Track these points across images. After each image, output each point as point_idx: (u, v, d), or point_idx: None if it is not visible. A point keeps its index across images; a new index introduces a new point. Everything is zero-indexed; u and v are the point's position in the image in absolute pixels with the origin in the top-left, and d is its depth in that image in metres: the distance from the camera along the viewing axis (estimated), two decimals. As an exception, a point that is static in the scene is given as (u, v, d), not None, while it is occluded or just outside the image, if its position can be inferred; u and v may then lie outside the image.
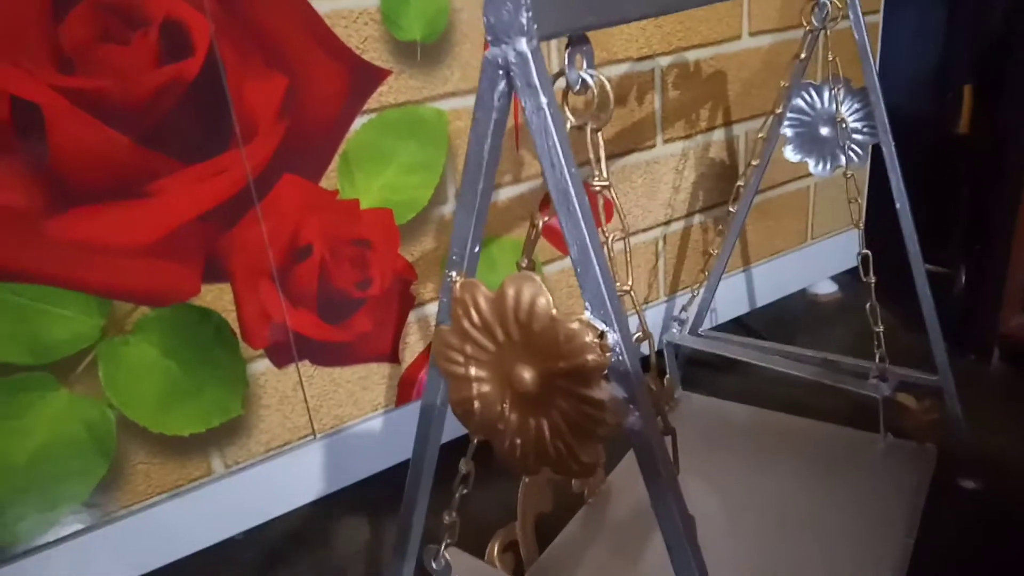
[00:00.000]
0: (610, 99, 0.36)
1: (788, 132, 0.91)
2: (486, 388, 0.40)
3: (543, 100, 0.31)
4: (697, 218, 1.20)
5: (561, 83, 0.36)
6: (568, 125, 0.37)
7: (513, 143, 0.96)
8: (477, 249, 0.40)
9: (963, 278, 1.31)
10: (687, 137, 1.14)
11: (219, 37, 0.73)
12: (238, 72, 0.75)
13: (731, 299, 1.31)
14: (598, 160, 0.39)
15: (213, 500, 0.87)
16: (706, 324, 1.14)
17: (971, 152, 1.31)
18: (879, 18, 1.32)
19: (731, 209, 0.98)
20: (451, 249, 0.39)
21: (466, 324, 0.38)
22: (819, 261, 1.43)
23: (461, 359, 0.40)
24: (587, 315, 0.35)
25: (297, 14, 0.77)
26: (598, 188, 0.39)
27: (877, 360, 0.87)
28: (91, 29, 0.66)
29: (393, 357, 0.95)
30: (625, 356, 0.34)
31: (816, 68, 1.22)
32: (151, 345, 0.79)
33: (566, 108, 0.38)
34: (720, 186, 1.20)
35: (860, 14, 0.79)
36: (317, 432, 0.92)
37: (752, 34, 1.15)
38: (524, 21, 0.31)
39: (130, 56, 0.69)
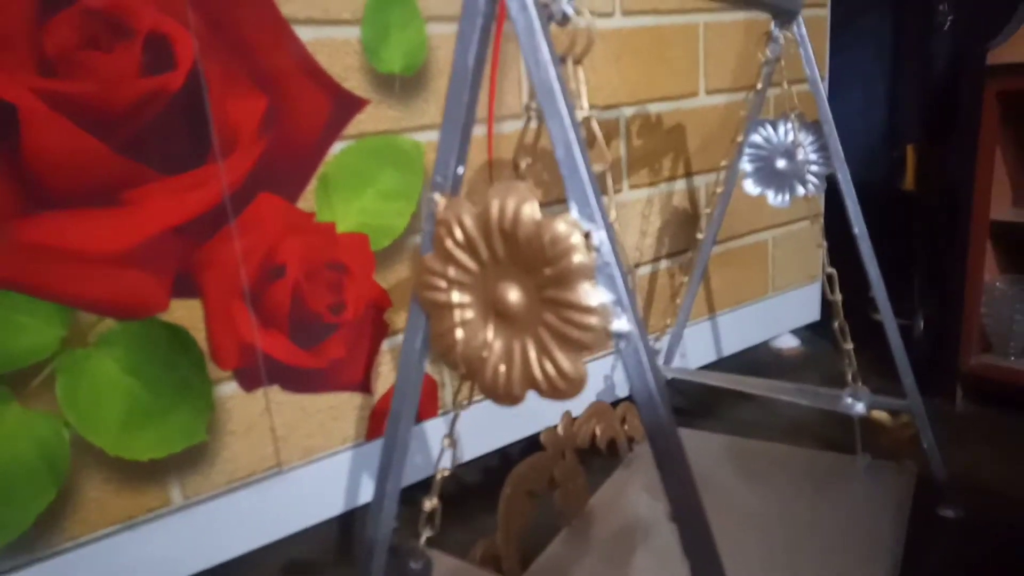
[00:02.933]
0: (592, 28, 0.39)
1: (747, 167, 0.95)
2: (469, 315, 0.40)
3: (528, 1, 0.34)
4: (664, 263, 1.23)
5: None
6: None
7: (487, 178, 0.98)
8: (461, 170, 0.40)
9: (921, 325, 1.35)
10: (651, 184, 1.19)
11: (203, 54, 0.75)
12: (220, 89, 0.77)
13: (699, 347, 1.33)
14: (579, 94, 0.40)
15: (169, 534, 0.82)
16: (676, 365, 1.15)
17: (919, 207, 1.38)
18: (825, 83, 1.41)
19: (698, 239, 1.02)
20: (435, 170, 0.40)
21: (449, 244, 0.39)
22: (781, 314, 1.47)
23: (444, 284, 0.40)
24: (573, 215, 0.35)
25: (281, 38, 0.80)
26: (580, 119, 0.41)
27: (850, 379, 0.88)
28: (75, 34, 0.68)
29: (365, 387, 0.93)
30: (612, 256, 0.35)
31: (769, 111, 1.30)
32: (114, 360, 0.76)
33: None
34: (684, 233, 1.24)
35: (810, 51, 0.86)
36: (283, 464, 0.89)
37: (708, 92, 1.23)
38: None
39: (112, 64, 0.71)
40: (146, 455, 0.79)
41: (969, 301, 1.17)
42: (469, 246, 0.38)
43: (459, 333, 0.40)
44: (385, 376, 0.95)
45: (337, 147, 0.86)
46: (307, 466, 0.90)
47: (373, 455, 0.95)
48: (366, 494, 0.95)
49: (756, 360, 1.47)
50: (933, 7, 1.26)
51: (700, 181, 1.26)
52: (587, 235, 0.35)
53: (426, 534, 0.57)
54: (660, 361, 1.07)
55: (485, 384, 0.40)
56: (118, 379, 0.76)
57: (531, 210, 0.36)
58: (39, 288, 0.71)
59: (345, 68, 0.85)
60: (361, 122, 0.87)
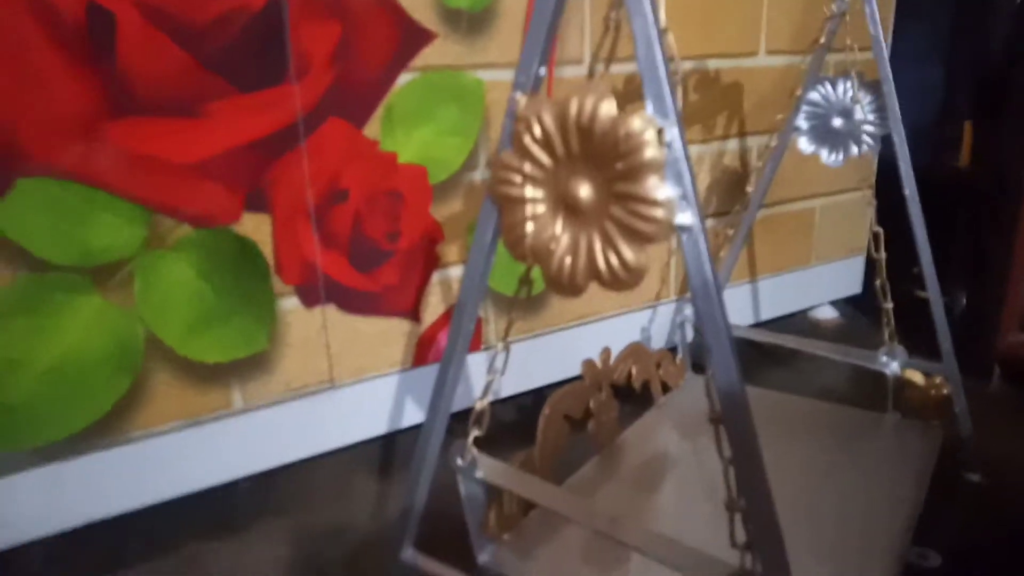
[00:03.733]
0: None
1: (803, 124, 0.96)
2: (540, 209, 0.43)
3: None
4: (710, 222, 1.25)
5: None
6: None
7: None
8: (544, 71, 0.43)
9: (963, 302, 1.35)
10: (704, 142, 1.20)
11: (287, -24, 0.79)
12: (299, 13, 0.80)
13: (736, 309, 1.34)
14: (658, 6, 0.43)
15: (229, 435, 0.87)
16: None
17: (971, 184, 1.37)
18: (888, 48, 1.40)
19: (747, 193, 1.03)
20: (518, 71, 0.43)
21: (527, 140, 0.42)
22: (822, 284, 1.47)
23: (519, 179, 0.43)
24: (649, 111, 0.38)
25: (358, -32, 0.83)
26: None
27: (887, 338, 0.90)
28: (174, -52, 0.72)
29: (414, 315, 0.98)
30: (680, 153, 0.38)
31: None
32: (188, 264, 0.81)
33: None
34: (733, 193, 1.25)
35: (875, 7, 0.86)
36: (335, 380, 0.94)
37: (769, 52, 1.23)
38: None
39: (205, -20, 0.74)
40: (211, 357, 0.84)
41: (1013, 280, 1.16)
42: (546, 142, 0.41)
43: (529, 226, 0.43)
44: (433, 307, 0.99)
45: (404, 78, 0.89)
46: (357, 384, 0.95)
47: (418, 381, 1.00)
48: (409, 417, 1.00)
49: (792, 328, 1.47)
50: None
51: (753, 142, 1.26)
52: (660, 131, 0.38)
53: (474, 433, 0.60)
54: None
55: (551, 274, 0.43)
56: (191, 282, 0.82)
57: (609, 106, 0.39)
58: (124, 189, 0.76)
59: (415, 0, 0.88)
60: (427, 55, 0.90)
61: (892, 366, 0.88)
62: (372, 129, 0.89)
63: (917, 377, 0.88)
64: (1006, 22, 1.30)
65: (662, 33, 0.42)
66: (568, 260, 0.42)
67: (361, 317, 0.93)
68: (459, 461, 0.62)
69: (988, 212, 1.30)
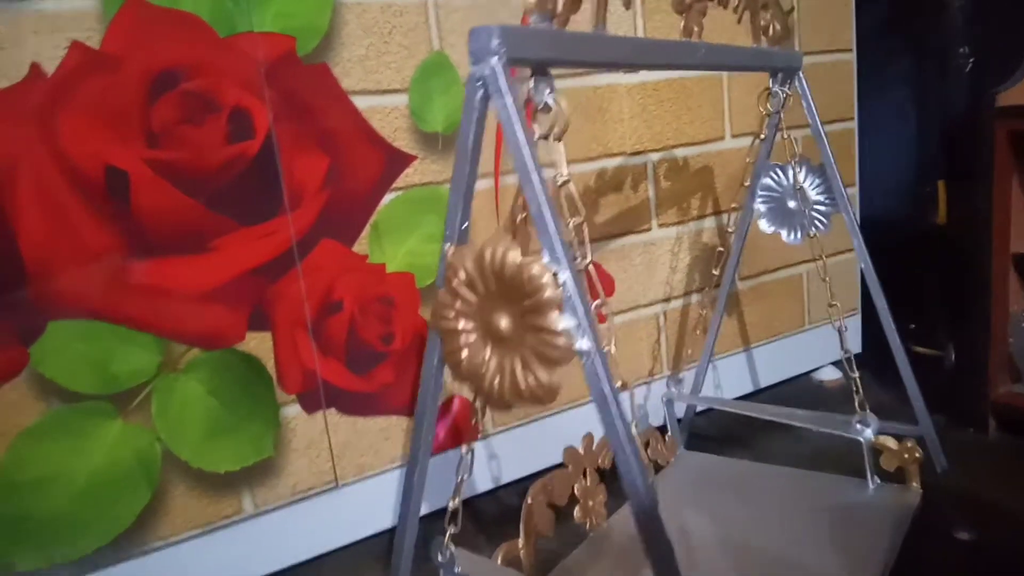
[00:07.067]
0: (564, 114, 0.49)
1: (761, 207, 1.03)
2: (472, 338, 0.50)
3: (508, 100, 0.44)
4: (695, 297, 1.31)
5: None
6: (536, 135, 0.50)
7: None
8: (465, 226, 0.51)
9: (952, 357, 1.38)
10: (680, 223, 1.28)
11: (276, 123, 0.89)
12: (290, 152, 0.91)
13: (734, 378, 1.39)
14: (559, 164, 0.51)
15: (242, 540, 0.94)
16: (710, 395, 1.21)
17: (949, 240, 1.42)
18: (854, 124, 1.48)
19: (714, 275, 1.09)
20: (446, 227, 0.51)
21: (455, 283, 0.49)
22: (821, 346, 1.51)
23: (452, 314, 0.50)
24: (544, 260, 0.45)
25: (341, 108, 0.94)
26: (560, 183, 0.51)
27: (857, 406, 0.94)
28: (176, 112, 0.83)
29: (412, 410, 1.04)
30: (573, 291, 0.45)
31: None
32: (199, 383, 0.89)
33: (534, 125, 0.51)
34: (712, 268, 1.32)
35: (811, 103, 0.94)
36: (340, 480, 1.00)
37: (735, 136, 1.31)
38: (495, 46, 0.44)
39: (204, 135, 0.85)
40: (222, 467, 0.92)
41: (996, 333, 1.19)
42: (470, 283, 0.49)
43: (464, 353, 0.50)
44: (430, 401, 1.05)
45: (388, 197, 0.99)
46: (360, 482, 1.01)
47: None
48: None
49: (796, 392, 1.50)
50: (953, 50, 1.32)
51: (728, 219, 1.33)
52: (555, 275, 0.45)
53: (450, 531, 0.66)
54: (686, 391, 1.14)
55: (484, 393, 0.50)
56: (201, 399, 0.90)
57: (513, 255, 0.46)
58: (143, 322, 0.85)
59: (395, 129, 0.98)
60: (409, 175, 1.00)
61: (866, 433, 0.92)
62: (362, 245, 0.98)
63: (890, 443, 0.92)
64: (963, 85, 1.37)
65: (564, 185, 0.50)
66: (496, 381, 0.49)
67: (361, 417, 1.00)
68: (439, 558, 0.67)
69: (965, 268, 1.34)
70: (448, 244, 0.51)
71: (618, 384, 0.57)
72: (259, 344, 0.93)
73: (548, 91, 0.50)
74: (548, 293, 0.45)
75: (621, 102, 1.17)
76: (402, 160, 0.99)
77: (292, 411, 0.96)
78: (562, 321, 0.45)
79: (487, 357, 0.49)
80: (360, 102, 0.95)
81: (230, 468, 0.93)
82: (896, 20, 1.53)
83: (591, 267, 0.54)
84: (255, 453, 0.94)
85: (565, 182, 0.50)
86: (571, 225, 0.52)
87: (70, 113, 0.79)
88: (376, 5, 0.95)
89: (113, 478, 0.86)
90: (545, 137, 0.50)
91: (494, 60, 0.45)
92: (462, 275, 0.49)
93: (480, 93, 0.46)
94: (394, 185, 0.99)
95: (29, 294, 0.79)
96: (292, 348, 0.94)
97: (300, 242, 0.93)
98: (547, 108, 0.50)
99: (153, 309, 0.85)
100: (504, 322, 0.48)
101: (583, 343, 0.45)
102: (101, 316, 0.83)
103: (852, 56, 1.44)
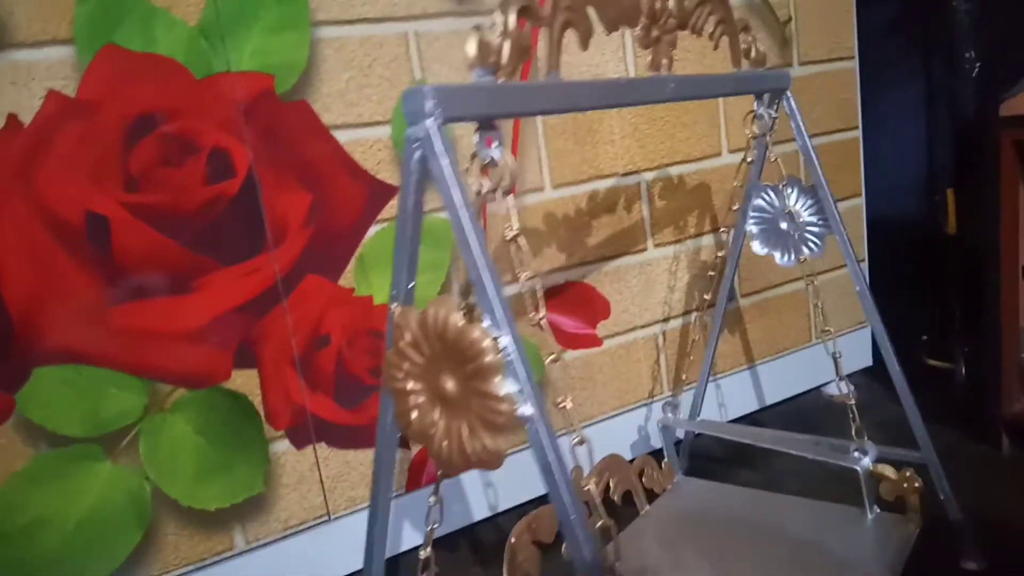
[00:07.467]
0: (512, 167, 0.48)
1: (753, 228, 1.01)
2: (421, 399, 0.49)
3: (444, 162, 0.43)
4: (694, 316, 1.29)
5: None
6: (485, 190, 0.49)
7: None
8: (411, 285, 0.50)
9: (963, 371, 1.34)
10: (677, 242, 1.25)
11: (257, 162, 0.90)
12: (271, 189, 0.91)
13: (739, 396, 1.36)
14: (511, 217, 0.50)
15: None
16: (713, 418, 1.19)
17: (960, 250, 1.37)
18: (858, 132, 1.44)
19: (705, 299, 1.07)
20: (392, 287, 0.50)
21: (402, 343, 0.48)
22: (828, 361, 1.47)
23: (401, 375, 0.49)
24: (485, 324, 0.44)
25: (322, 143, 0.94)
26: (510, 236, 0.50)
27: (854, 433, 0.91)
28: (154, 155, 0.84)
29: (403, 442, 1.04)
30: (515, 355, 0.44)
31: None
32: (186, 423, 0.90)
33: (482, 178, 0.50)
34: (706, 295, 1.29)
35: (800, 122, 0.91)
36: (332, 513, 1.00)
37: (732, 151, 1.28)
38: (429, 108, 0.44)
39: (183, 177, 0.86)
40: (212, 504, 0.92)
41: (1007, 346, 1.16)
42: (416, 345, 0.48)
43: (414, 414, 0.49)
44: (422, 431, 1.05)
45: (373, 230, 0.98)
46: (352, 515, 1.01)
47: (412, 504, 1.05)
48: (408, 540, 1.05)
49: (804, 407, 1.47)
50: (959, 53, 1.28)
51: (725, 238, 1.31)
52: (495, 339, 0.44)
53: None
54: (684, 415, 1.12)
55: (435, 455, 0.49)
56: (189, 438, 0.90)
57: (455, 319, 0.45)
58: (128, 364, 0.86)
59: (378, 162, 0.98)
60: (393, 207, 0.99)
61: (863, 462, 0.89)
62: (348, 278, 0.98)
63: (889, 471, 0.89)
64: (970, 89, 1.33)
65: (514, 239, 0.49)
66: (445, 444, 0.48)
67: (351, 450, 1.00)
68: (414, 606, 0.66)
69: (975, 279, 1.30)
70: (395, 304, 0.50)
71: (576, 440, 0.56)
72: (246, 381, 0.93)
73: (495, 145, 0.49)
74: (489, 358, 0.44)
75: (611, 123, 1.15)
76: (386, 192, 0.99)
77: (281, 446, 0.96)
78: (504, 386, 0.44)
79: (436, 419, 0.49)
80: (342, 136, 0.95)
81: (220, 505, 0.93)
82: (900, 22, 1.49)
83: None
84: (245, 490, 0.94)
85: (515, 236, 0.49)
86: (522, 280, 0.51)
87: (49, 162, 0.80)
88: (355, 38, 0.94)
89: (104, 519, 0.86)
90: (493, 191, 0.49)
91: (429, 122, 0.44)
92: (408, 336, 0.48)
93: (417, 155, 0.45)
94: (379, 217, 0.99)
95: (13, 342, 0.80)
96: (280, 384, 0.95)
97: (285, 278, 0.93)
98: (494, 163, 0.49)
99: (138, 351, 0.86)
100: (451, 384, 0.47)
101: (526, 408, 0.44)
102: (86, 360, 0.84)
103: (855, 64, 1.41)
